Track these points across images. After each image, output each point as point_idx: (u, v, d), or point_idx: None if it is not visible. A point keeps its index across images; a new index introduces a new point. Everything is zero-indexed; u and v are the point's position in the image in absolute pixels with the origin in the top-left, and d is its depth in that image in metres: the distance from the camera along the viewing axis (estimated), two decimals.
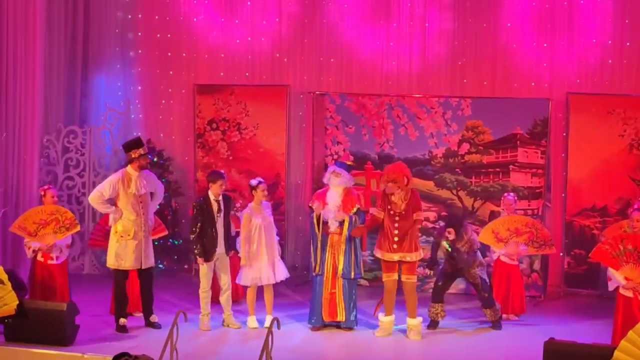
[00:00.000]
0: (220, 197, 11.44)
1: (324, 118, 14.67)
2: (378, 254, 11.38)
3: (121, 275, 11.40)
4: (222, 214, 11.43)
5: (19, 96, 13.75)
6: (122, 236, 11.29)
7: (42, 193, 12.25)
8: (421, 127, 14.24)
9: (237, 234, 12.08)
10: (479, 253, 11.80)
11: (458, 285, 14.01)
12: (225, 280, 11.55)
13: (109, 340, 10.78)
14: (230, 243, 11.66)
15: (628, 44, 14.13)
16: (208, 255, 11.34)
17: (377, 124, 14.37)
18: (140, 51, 15.65)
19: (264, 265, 11.51)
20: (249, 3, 15.27)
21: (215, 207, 11.38)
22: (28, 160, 13.90)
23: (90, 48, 15.50)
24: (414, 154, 14.17)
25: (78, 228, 12.13)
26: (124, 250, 11.29)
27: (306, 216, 14.63)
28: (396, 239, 11.14)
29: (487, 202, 13.98)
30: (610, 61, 14.19)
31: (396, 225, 11.16)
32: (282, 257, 12.14)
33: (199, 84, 15.21)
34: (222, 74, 15.40)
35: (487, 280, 11.78)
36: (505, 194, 12.92)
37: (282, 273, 11.71)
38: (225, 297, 11.56)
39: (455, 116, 14.13)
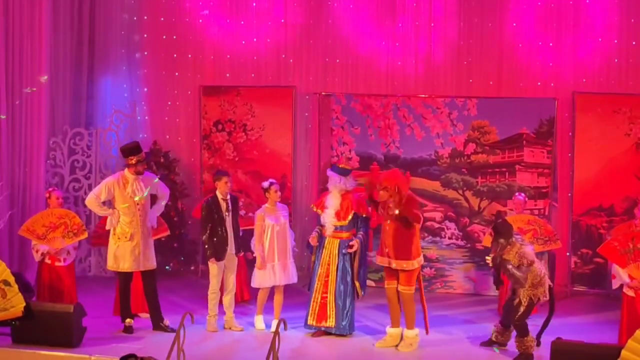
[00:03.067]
0: (228, 197, 11.45)
1: (329, 119, 14.68)
2: (377, 260, 11.10)
3: (123, 277, 11.43)
4: (230, 214, 11.44)
5: (25, 98, 13.77)
6: (119, 238, 11.33)
7: (47, 195, 12.29)
8: (427, 127, 14.23)
9: (245, 232, 12.09)
10: (534, 268, 10.43)
11: (465, 285, 14.04)
12: (230, 282, 11.54)
13: (116, 342, 10.79)
14: (240, 244, 11.64)
15: (634, 43, 14.11)
16: (219, 255, 11.34)
17: (382, 125, 14.37)
18: (146, 53, 15.66)
19: (275, 268, 11.49)
20: (254, 4, 15.27)
21: (223, 206, 11.39)
22: (34, 163, 13.93)
23: (96, 50, 15.51)
24: (420, 154, 14.17)
25: (86, 235, 12.18)
26: (122, 253, 11.32)
27: (312, 217, 14.63)
28: (388, 243, 10.83)
29: (494, 202, 13.98)
30: (616, 60, 14.18)
31: (387, 229, 10.83)
32: None
33: (205, 86, 15.22)
34: (227, 75, 15.41)
35: (523, 305, 10.44)
36: (516, 194, 12.92)
37: (291, 276, 11.64)
38: (228, 299, 11.54)
39: (461, 116, 14.13)
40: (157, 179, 11.64)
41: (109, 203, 11.43)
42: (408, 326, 10.89)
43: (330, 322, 11.22)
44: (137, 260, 11.33)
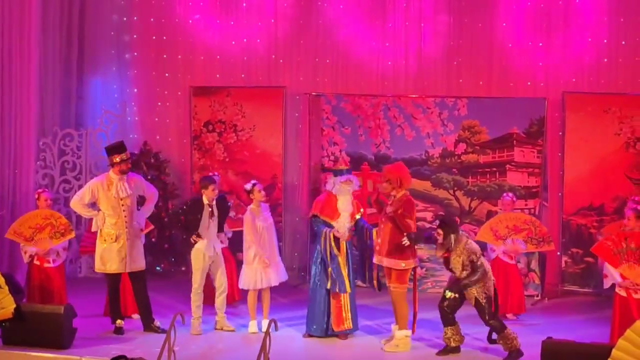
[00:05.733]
0: (214, 202, 11.37)
1: (320, 119, 14.67)
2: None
3: (112, 278, 11.40)
4: (215, 220, 11.37)
5: (15, 99, 13.74)
6: (105, 240, 11.31)
7: (37, 196, 12.28)
8: (417, 127, 14.24)
9: (234, 234, 12.08)
10: (482, 266, 10.47)
11: None
12: (220, 282, 11.51)
13: (106, 343, 10.77)
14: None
15: (623, 42, 14.13)
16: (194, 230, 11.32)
17: (373, 125, 14.37)
18: (135, 53, 15.64)
19: (267, 268, 11.44)
20: (244, 4, 15.26)
21: (207, 212, 11.31)
22: (24, 164, 13.89)
23: (86, 50, 15.48)
24: (411, 154, 14.17)
25: (73, 235, 12.16)
26: (109, 254, 11.29)
27: (302, 218, 14.64)
28: (379, 240, 10.87)
29: (484, 202, 14.00)
30: (605, 60, 14.20)
31: (382, 226, 10.87)
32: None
33: (195, 86, 15.19)
34: (218, 75, 15.39)
35: (492, 300, 10.51)
36: (504, 194, 12.92)
37: (282, 275, 11.61)
38: (220, 300, 11.51)
39: (451, 116, 14.13)
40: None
41: (94, 206, 11.42)
42: (399, 326, 10.88)
43: (348, 324, 11.22)
44: (124, 261, 11.30)
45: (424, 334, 11.38)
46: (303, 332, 11.43)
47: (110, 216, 11.28)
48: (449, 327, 10.62)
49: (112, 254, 11.27)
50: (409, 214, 10.76)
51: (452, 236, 10.47)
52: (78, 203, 11.38)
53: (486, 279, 10.48)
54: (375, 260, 11.03)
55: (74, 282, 13.65)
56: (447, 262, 10.65)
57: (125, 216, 11.30)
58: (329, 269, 11.15)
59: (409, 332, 10.85)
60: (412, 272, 10.98)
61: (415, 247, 10.92)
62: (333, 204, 11.27)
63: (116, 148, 11.42)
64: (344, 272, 11.16)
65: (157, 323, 11.44)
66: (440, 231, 10.56)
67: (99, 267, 11.43)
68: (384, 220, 10.86)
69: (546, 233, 12.49)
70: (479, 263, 10.42)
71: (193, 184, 14.96)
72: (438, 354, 10.63)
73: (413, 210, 10.88)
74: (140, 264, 11.46)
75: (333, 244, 11.16)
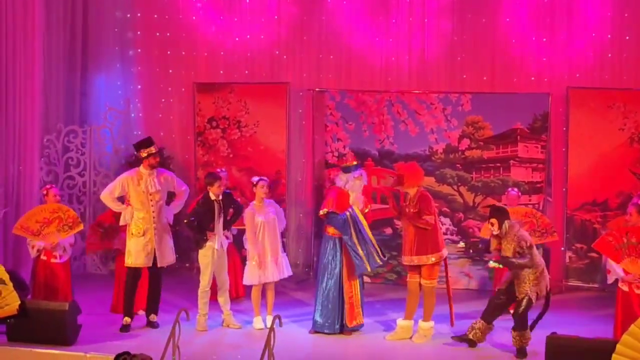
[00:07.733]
0: (220, 197, 11.39)
1: (323, 115, 14.68)
2: (403, 260, 11.14)
3: (133, 273, 11.42)
4: (222, 216, 11.39)
5: (19, 96, 13.72)
6: (133, 234, 11.35)
7: (45, 192, 12.26)
8: (421, 123, 14.24)
9: (239, 231, 12.08)
10: (534, 254, 10.38)
11: (460, 280, 14.04)
12: (222, 281, 11.51)
13: (111, 340, 10.78)
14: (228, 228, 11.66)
15: (627, 37, 14.12)
16: (207, 230, 11.34)
17: (377, 120, 14.37)
18: (139, 50, 15.65)
19: (268, 265, 11.43)
20: (247, 1, 15.26)
21: (216, 207, 11.34)
22: (28, 161, 13.88)
23: (90, 47, 15.49)
24: (415, 150, 14.17)
25: (81, 227, 12.14)
26: (136, 248, 11.34)
27: (306, 213, 14.65)
28: (409, 240, 10.97)
29: (488, 198, 13.98)
30: (609, 55, 14.19)
31: (404, 227, 11.05)
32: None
33: (199, 82, 15.20)
34: (221, 72, 15.40)
35: (533, 301, 10.35)
36: (509, 189, 12.94)
37: (285, 270, 11.60)
38: (223, 297, 11.52)
39: (455, 112, 14.13)
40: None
41: (122, 199, 11.52)
42: (425, 318, 11.03)
43: (360, 320, 11.30)
44: (149, 256, 11.34)
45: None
46: (309, 329, 11.41)
47: (139, 210, 11.33)
48: (483, 322, 10.60)
49: (139, 249, 11.32)
50: (426, 210, 10.89)
51: (506, 222, 10.43)
52: (108, 196, 11.46)
53: (541, 277, 10.38)
54: (405, 261, 11.09)
55: (79, 278, 13.65)
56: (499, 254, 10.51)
57: (153, 211, 11.35)
58: (360, 251, 11.09)
59: (432, 323, 11.03)
60: (443, 264, 11.13)
61: (439, 242, 10.99)
62: (345, 200, 11.26)
63: (143, 143, 11.52)
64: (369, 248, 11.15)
65: (153, 317, 11.46)
66: (493, 220, 10.44)
67: (127, 261, 11.44)
68: (405, 221, 10.99)
69: (549, 224, 12.46)
70: (528, 251, 10.33)
71: (197, 180, 14.98)
72: (454, 338, 10.75)
73: (429, 204, 10.98)
74: (169, 258, 11.53)
75: (361, 217, 11.13)
